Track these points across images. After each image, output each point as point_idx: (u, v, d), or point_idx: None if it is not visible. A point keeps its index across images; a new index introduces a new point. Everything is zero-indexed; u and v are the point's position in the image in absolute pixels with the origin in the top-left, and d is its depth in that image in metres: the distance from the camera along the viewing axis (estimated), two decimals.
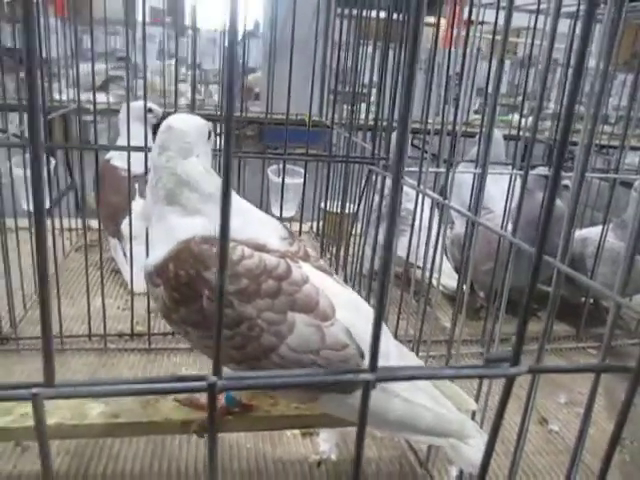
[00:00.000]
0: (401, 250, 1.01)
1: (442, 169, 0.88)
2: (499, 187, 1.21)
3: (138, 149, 0.88)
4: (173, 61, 1.22)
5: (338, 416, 0.58)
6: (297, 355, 0.54)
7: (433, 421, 0.57)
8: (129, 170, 0.99)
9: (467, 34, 0.78)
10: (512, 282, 1.22)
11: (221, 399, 0.67)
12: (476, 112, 2.54)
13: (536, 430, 0.87)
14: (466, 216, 0.76)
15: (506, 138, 1.87)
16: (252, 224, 0.58)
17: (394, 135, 1.07)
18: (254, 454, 0.74)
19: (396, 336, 0.93)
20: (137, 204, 1.16)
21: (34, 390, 0.23)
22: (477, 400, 0.64)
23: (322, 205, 1.42)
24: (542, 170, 1.19)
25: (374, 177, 0.89)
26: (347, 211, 1.24)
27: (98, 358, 0.92)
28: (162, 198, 0.58)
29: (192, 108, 0.94)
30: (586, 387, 0.45)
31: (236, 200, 0.61)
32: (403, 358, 0.62)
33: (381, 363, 0.55)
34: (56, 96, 1.47)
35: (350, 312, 0.56)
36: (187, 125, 0.59)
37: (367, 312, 0.59)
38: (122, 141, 1.32)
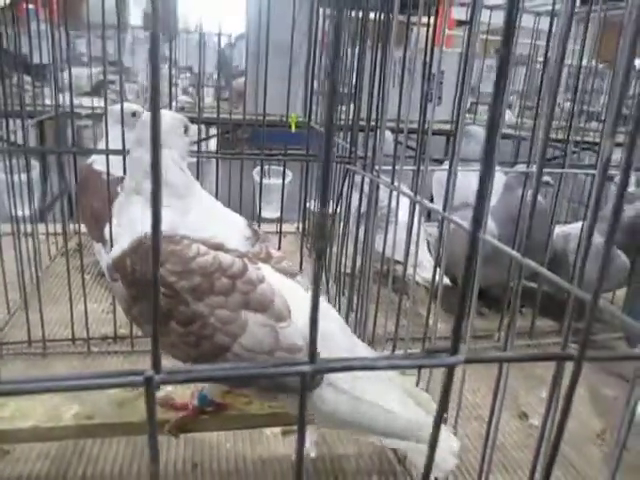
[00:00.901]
0: (380, 246, 1.02)
1: (414, 167, 0.89)
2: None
3: (116, 152, 0.89)
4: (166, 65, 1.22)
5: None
6: (251, 355, 0.54)
7: (395, 424, 0.57)
8: (108, 173, 1.00)
9: (470, 33, 0.78)
10: (493, 278, 1.22)
11: (194, 399, 0.68)
12: (469, 111, 2.56)
13: (516, 425, 0.87)
14: (439, 214, 0.76)
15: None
16: (213, 223, 0.59)
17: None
18: (234, 454, 0.75)
19: (374, 334, 0.94)
20: None
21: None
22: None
23: (307, 205, 1.43)
24: (522, 167, 1.20)
25: (352, 176, 0.90)
26: (329, 210, 1.25)
27: (82, 362, 0.92)
28: (131, 190, 0.59)
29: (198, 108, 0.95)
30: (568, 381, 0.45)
31: (202, 197, 0.61)
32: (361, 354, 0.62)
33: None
34: (47, 101, 1.47)
35: (305, 313, 0.56)
36: (172, 114, 0.60)
37: (327, 316, 0.60)
38: (103, 145, 1.32)
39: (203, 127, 2.89)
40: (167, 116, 0.60)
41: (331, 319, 0.61)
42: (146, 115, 0.60)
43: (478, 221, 0.27)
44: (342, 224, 1.02)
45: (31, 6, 1.34)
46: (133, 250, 0.55)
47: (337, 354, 0.56)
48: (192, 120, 1.07)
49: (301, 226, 1.56)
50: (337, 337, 0.59)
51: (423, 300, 1.28)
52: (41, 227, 1.26)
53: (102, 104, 1.36)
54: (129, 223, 0.57)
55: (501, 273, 1.11)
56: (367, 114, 0.90)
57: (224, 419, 0.62)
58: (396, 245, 0.98)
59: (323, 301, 0.63)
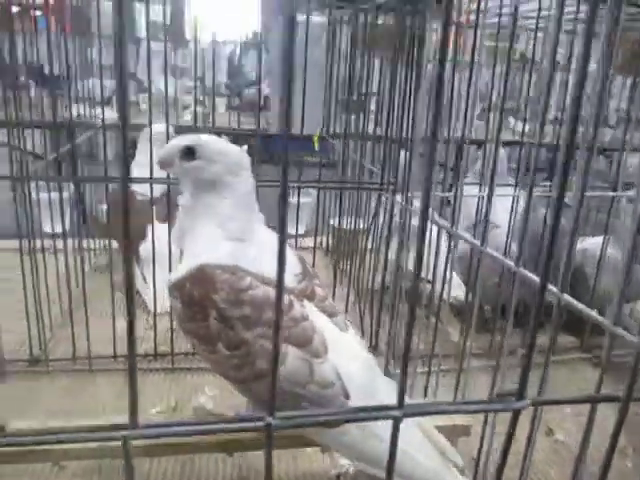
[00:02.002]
0: (410, 265, 1.06)
1: (448, 193, 0.93)
2: (503, 200, 1.26)
3: (160, 181, 0.93)
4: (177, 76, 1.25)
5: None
6: (286, 385, 0.59)
7: (417, 471, 0.60)
8: (151, 199, 1.05)
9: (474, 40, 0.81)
10: (517, 297, 1.26)
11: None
12: (479, 119, 2.57)
13: (542, 440, 0.91)
14: (472, 244, 0.81)
15: (506, 144, 1.89)
16: (269, 258, 0.63)
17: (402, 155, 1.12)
18: (275, 469, 0.79)
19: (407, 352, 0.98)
20: (156, 228, 1.21)
21: (123, 433, 0.28)
22: (484, 431, 0.66)
23: (332, 222, 1.47)
24: (544, 189, 1.24)
25: (384, 200, 0.94)
26: (357, 228, 1.30)
27: (124, 378, 0.96)
28: (200, 215, 0.63)
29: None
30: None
31: (261, 231, 0.66)
32: (391, 394, 0.66)
33: (368, 400, 0.60)
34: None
35: (341, 355, 0.62)
36: (235, 148, 0.65)
37: (358, 356, 0.64)
38: (138, 165, 1.36)
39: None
40: (235, 151, 0.64)
41: (361, 358, 0.65)
42: (222, 142, 0.65)
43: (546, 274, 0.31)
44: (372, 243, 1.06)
45: (39, 13, 1.34)
46: (193, 276, 0.61)
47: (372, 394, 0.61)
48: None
49: (324, 241, 1.60)
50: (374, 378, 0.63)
51: (448, 318, 1.33)
52: (72, 243, 1.30)
53: (116, 115, 1.37)
54: (193, 251, 0.62)
55: (525, 291, 1.15)
56: (396, 135, 0.93)
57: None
58: (424, 264, 1.02)
59: (355, 338, 0.67)
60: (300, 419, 0.29)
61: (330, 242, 1.56)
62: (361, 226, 1.39)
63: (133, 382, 0.28)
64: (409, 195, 0.85)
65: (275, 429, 0.28)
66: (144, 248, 1.20)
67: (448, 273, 0.87)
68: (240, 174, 0.63)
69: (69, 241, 1.15)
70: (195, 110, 1.12)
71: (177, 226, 0.66)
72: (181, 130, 1.06)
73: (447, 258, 0.98)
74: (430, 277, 1.20)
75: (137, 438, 0.28)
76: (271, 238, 0.65)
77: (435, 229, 1.00)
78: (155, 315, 1.04)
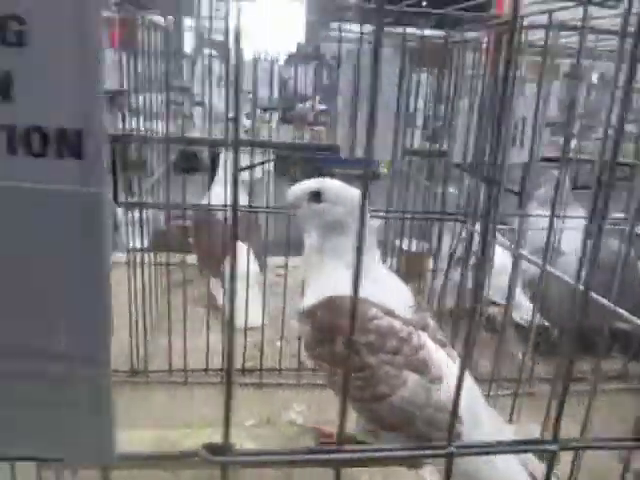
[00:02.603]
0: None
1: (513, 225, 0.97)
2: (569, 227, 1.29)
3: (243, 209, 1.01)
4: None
5: None
6: (405, 407, 0.65)
7: None
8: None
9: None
10: (585, 321, 1.28)
11: (332, 431, 0.78)
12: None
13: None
14: (540, 268, 0.85)
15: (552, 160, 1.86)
16: (386, 290, 0.69)
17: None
18: None
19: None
20: (238, 247, 1.29)
21: (217, 458, 0.33)
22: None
23: (397, 243, 1.52)
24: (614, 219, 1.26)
25: (465, 230, 0.99)
26: (424, 251, 1.35)
27: (217, 391, 1.03)
28: (325, 252, 0.70)
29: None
30: None
31: (377, 265, 0.72)
32: (492, 420, 0.70)
33: (476, 425, 0.64)
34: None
35: (453, 382, 0.66)
36: (356, 192, 0.72)
37: (468, 385, 0.69)
38: (220, 183, 1.44)
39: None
40: (357, 194, 0.71)
41: (468, 385, 0.69)
42: (347, 187, 0.71)
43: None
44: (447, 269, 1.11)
45: None
46: (324, 305, 0.68)
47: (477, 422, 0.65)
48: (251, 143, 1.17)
49: (389, 262, 1.65)
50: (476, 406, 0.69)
51: (513, 340, 1.36)
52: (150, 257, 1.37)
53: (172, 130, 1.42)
54: (322, 284, 0.69)
55: (592, 318, 1.17)
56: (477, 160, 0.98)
57: (380, 458, 0.71)
58: (492, 286, 1.07)
59: (468, 376, 0.71)
60: (476, 449, 0.35)
61: (398, 265, 1.61)
62: (427, 249, 1.44)
63: (228, 402, 0.34)
64: (492, 226, 0.90)
65: (455, 456, 0.34)
66: (225, 266, 1.28)
67: (518, 296, 0.92)
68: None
69: (145, 256, 1.21)
70: (253, 123, 1.20)
71: (303, 260, 0.73)
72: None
73: (512, 280, 1.02)
74: (498, 299, 1.24)
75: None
76: (387, 273, 0.71)
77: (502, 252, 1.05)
78: (246, 330, 1.10)
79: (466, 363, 0.37)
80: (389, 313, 0.66)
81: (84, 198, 0.26)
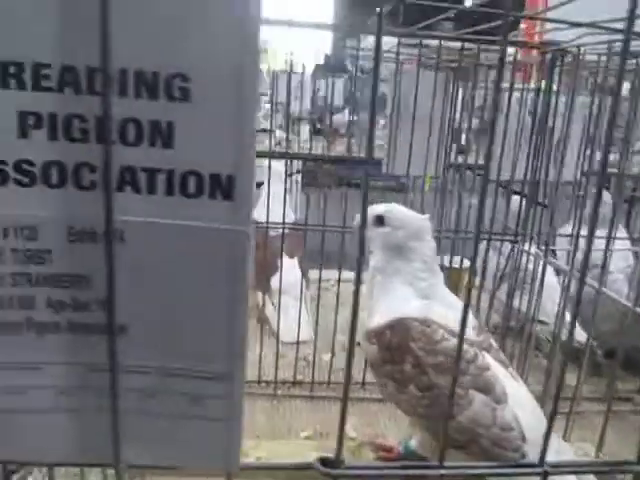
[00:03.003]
0: (524, 306, 1.12)
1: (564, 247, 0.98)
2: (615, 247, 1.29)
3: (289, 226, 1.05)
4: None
5: None
6: (471, 426, 0.67)
7: None
8: (283, 235, 1.16)
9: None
10: (632, 342, 1.28)
11: (400, 445, 0.80)
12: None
13: None
14: (593, 288, 0.86)
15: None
16: (450, 312, 0.72)
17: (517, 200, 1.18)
18: None
19: None
20: (285, 262, 1.32)
21: (332, 471, 0.35)
22: None
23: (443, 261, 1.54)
24: None
25: (516, 250, 1.01)
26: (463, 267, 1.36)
27: (270, 403, 1.06)
28: (390, 274, 0.72)
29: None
30: None
31: (440, 288, 0.75)
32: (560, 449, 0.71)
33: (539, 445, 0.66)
34: None
35: (517, 402, 0.69)
36: (418, 216, 0.76)
37: (530, 404, 0.71)
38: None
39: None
40: (418, 219, 0.73)
41: (532, 405, 0.71)
42: (408, 212, 0.75)
43: None
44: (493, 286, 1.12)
45: None
46: (393, 326, 0.70)
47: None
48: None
49: None
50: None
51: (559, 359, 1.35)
52: None
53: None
54: (388, 303, 0.72)
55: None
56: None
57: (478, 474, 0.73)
58: (541, 306, 1.08)
59: (524, 387, 0.73)
60: (569, 467, 0.37)
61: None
62: (467, 265, 1.45)
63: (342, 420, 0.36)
64: (545, 247, 0.91)
65: (549, 475, 0.36)
66: (275, 280, 1.31)
67: (558, 309, 0.93)
68: (423, 239, 0.73)
69: None
70: (287, 135, 1.23)
71: (367, 281, 0.76)
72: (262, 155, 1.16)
73: (562, 299, 1.03)
74: (545, 318, 1.24)
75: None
76: (450, 295, 0.73)
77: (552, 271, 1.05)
78: (298, 343, 1.13)
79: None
80: (456, 334, 0.68)
81: (232, 235, 0.29)
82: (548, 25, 1.07)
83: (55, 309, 0.31)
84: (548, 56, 0.90)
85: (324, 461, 0.35)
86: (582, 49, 0.85)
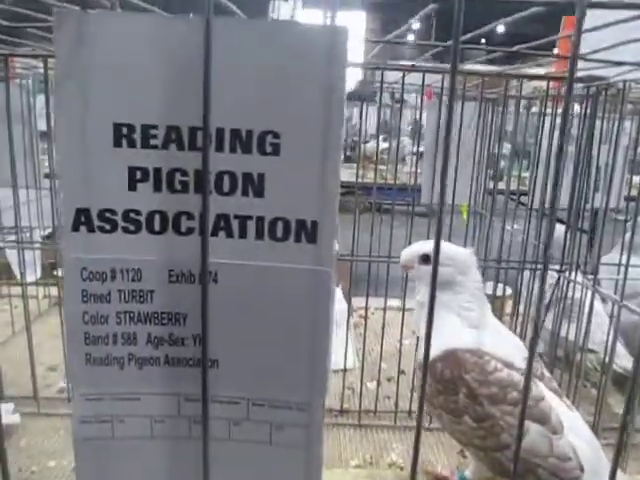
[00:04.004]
0: (571, 335, 1.10)
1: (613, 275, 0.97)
2: None
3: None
4: None
5: None
6: (528, 456, 0.66)
7: None
8: None
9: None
10: None
11: (454, 475, 0.80)
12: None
13: None
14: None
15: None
16: (502, 343, 0.72)
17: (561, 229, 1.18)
18: None
19: None
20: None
21: None
22: None
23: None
24: None
25: (562, 280, 1.01)
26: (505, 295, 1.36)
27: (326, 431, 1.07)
28: (438, 308, 0.74)
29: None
30: None
31: (491, 320, 0.76)
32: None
33: (597, 475, 0.65)
34: None
35: (574, 431, 0.69)
36: (463, 252, 0.78)
37: (586, 434, 0.71)
38: None
39: None
40: (463, 254, 0.75)
41: (588, 435, 0.71)
42: (458, 249, 0.77)
43: None
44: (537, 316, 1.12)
45: None
46: (445, 358, 0.71)
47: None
48: None
49: None
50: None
51: (608, 389, 1.33)
52: None
53: None
54: (439, 335, 0.72)
55: None
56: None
57: None
58: (589, 334, 1.06)
59: (585, 424, 0.73)
60: None
61: None
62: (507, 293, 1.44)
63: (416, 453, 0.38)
64: (594, 277, 0.91)
65: None
66: None
67: (605, 336, 0.92)
68: (469, 272, 0.74)
69: None
70: None
71: (416, 315, 0.78)
72: None
73: (611, 327, 1.02)
74: (594, 347, 1.22)
75: None
76: (498, 324, 0.74)
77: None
78: (345, 371, 1.15)
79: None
80: (508, 365, 0.69)
81: (316, 275, 0.32)
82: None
83: (154, 345, 0.34)
84: (592, 89, 0.91)
85: None
86: (627, 84, 0.86)
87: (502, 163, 1.71)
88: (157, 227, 0.32)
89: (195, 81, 0.29)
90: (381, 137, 4.42)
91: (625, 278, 0.92)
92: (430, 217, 1.23)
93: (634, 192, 1.35)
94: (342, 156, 0.31)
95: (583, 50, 0.99)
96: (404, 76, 1.02)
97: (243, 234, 0.32)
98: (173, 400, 0.35)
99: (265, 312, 0.33)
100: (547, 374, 0.74)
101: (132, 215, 0.32)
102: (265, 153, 0.31)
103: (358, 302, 1.32)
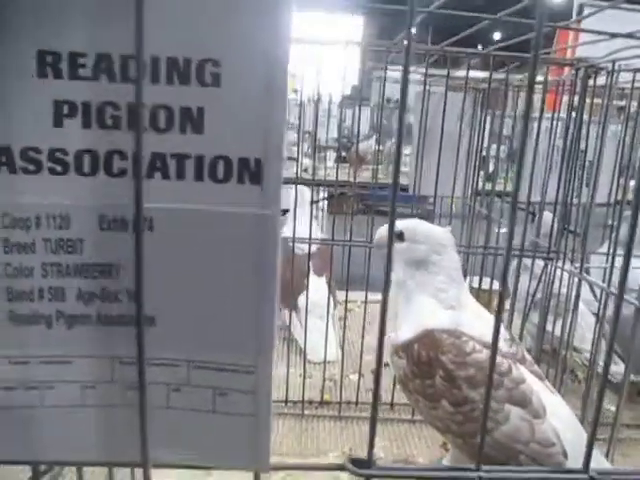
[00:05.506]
0: (557, 332, 1.08)
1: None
2: None
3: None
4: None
5: None
6: (508, 442, 0.63)
7: None
8: (309, 254, 1.15)
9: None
10: None
11: None
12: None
13: None
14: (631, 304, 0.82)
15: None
16: (481, 324, 0.69)
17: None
18: None
19: None
20: (312, 280, 1.31)
21: (363, 471, 0.33)
22: None
23: (472, 283, 1.50)
24: None
25: (550, 268, 0.98)
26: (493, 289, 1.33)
27: (298, 422, 1.04)
28: (413, 288, 0.71)
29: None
30: None
31: (469, 300, 0.72)
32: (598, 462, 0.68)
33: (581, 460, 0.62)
34: None
35: (556, 416, 0.66)
36: (438, 230, 0.75)
37: (570, 418, 0.68)
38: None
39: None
40: (439, 232, 0.72)
41: (571, 419, 0.68)
42: (433, 227, 0.75)
43: None
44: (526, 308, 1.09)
45: None
46: (421, 339, 0.68)
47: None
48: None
49: None
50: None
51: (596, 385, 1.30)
52: None
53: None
54: (414, 316, 0.70)
55: None
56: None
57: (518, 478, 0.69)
58: (577, 331, 1.04)
59: (567, 407, 0.70)
60: (615, 475, 0.34)
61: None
62: (496, 287, 1.41)
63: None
64: (580, 264, 0.89)
65: None
66: (302, 299, 1.30)
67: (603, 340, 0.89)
68: (445, 252, 0.71)
69: None
70: (314, 163, 1.24)
71: (392, 300, 0.74)
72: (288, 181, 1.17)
73: (598, 321, 0.99)
74: (583, 345, 1.19)
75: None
76: (477, 305, 0.71)
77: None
78: (325, 363, 1.11)
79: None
80: (487, 346, 0.66)
81: (260, 219, 0.29)
82: (581, 39, 1.06)
83: (85, 301, 0.31)
84: (580, 73, 0.89)
85: (355, 462, 0.33)
86: (617, 64, 0.83)
87: (492, 163, 1.70)
88: (87, 168, 0.29)
89: (127, 1, 0.26)
90: (374, 138, 4.41)
91: (612, 266, 0.90)
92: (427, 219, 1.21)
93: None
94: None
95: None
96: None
97: (181, 175, 0.29)
98: (106, 363, 0.31)
99: (206, 262, 0.30)
100: (529, 357, 0.71)
101: (58, 154, 0.29)
102: (205, 84, 0.28)
103: (344, 295, 1.28)
